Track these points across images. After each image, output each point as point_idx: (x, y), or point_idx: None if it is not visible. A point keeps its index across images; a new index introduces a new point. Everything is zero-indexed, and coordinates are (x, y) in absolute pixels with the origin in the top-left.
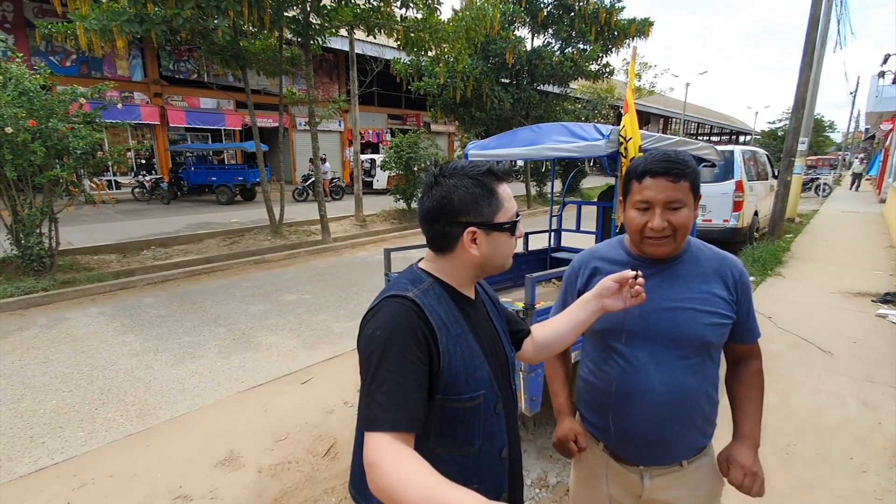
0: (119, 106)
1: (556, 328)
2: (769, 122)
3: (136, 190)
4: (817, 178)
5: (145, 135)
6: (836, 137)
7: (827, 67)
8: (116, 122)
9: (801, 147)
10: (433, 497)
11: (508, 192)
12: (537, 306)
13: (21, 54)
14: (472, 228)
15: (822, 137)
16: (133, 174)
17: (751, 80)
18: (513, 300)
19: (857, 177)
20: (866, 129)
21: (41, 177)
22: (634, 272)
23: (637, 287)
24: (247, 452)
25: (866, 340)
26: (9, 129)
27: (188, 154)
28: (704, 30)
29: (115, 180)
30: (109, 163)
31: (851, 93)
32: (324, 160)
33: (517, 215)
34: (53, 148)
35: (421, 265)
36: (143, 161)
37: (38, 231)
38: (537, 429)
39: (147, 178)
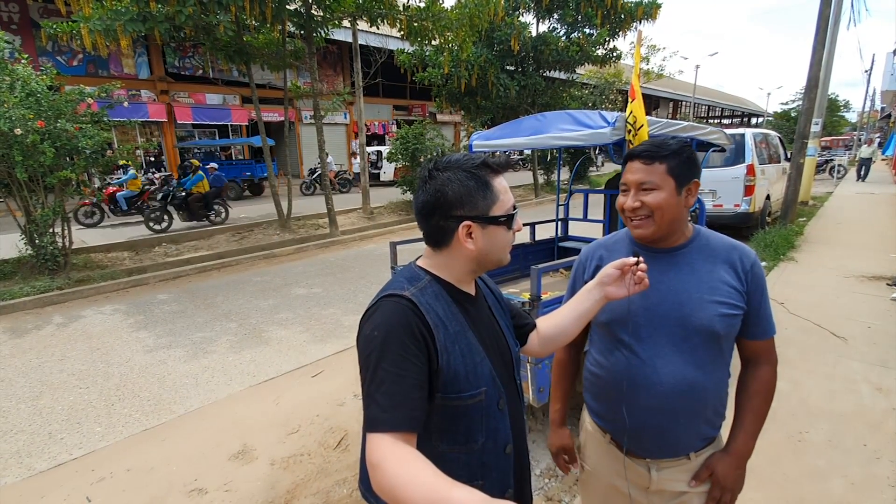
0: (125, 104)
1: (560, 320)
2: (782, 104)
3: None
4: (832, 160)
5: (153, 132)
6: (852, 117)
7: (841, 45)
8: (124, 120)
9: (815, 128)
10: (436, 496)
11: (504, 184)
12: (543, 297)
13: (27, 55)
14: (467, 222)
15: (836, 118)
16: (143, 172)
17: (763, 60)
18: (519, 291)
19: (865, 162)
20: (882, 108)
21: (52, 177)
22: (636, 258)
23: (640, 273)
24: (259, 445)
25: (881, 325)
26: (18, 131)
27: (196, 150)
28: (715, 10)
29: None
30: (119, 161)
31: (866, 71)
32: (326, 154)
33: (514, 208)
34: (63, 148)
35: (419, 262)
36: (153, 158)
37: (51, 230)
38: (546, 419)
39: (156, 175)
